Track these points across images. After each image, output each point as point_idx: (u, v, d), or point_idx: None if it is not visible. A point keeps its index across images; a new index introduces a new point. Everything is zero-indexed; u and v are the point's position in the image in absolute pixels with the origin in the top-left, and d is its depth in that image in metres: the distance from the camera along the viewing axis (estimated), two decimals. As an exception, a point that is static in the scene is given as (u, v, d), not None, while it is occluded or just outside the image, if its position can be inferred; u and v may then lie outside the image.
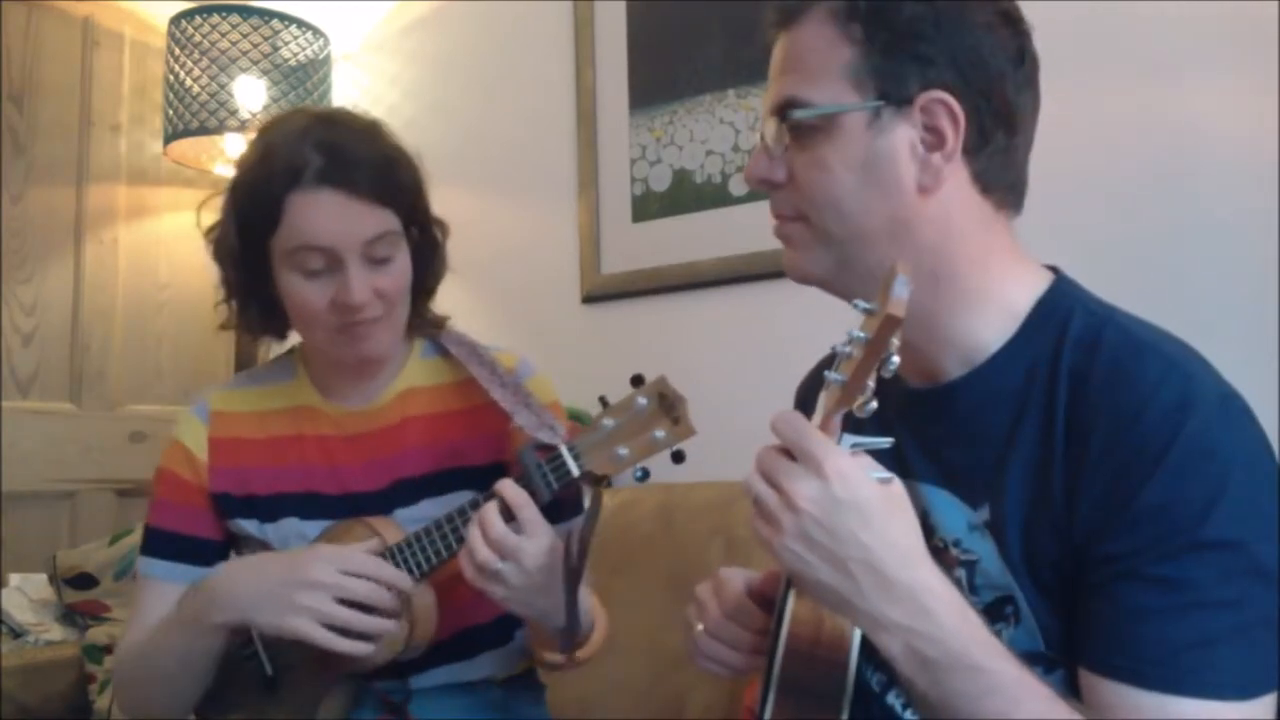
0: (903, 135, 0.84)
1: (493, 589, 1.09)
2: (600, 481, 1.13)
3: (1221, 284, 1.52)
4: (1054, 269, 0.92)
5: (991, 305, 0.87)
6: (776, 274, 1.93)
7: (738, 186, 2.00)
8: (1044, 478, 0.81)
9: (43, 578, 2.14)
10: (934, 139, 0.84)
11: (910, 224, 0.85)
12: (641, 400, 1.07)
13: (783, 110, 0.87)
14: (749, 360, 1.96)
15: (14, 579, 2.16)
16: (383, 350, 1.25)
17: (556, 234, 2.23)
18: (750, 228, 1.97)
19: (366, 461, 1.28)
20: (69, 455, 2.40)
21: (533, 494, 1.11)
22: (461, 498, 1.21)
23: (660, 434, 1.06)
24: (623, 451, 1.08)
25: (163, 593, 1.28)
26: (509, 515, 1.10)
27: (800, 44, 0.87)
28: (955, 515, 0.87)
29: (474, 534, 1.09)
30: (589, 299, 2.18)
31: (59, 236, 2.43)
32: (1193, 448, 0.75)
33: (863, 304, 0.75)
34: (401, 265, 1.22)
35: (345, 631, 1.13)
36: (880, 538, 0.73)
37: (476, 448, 1.28)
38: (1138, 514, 0.76)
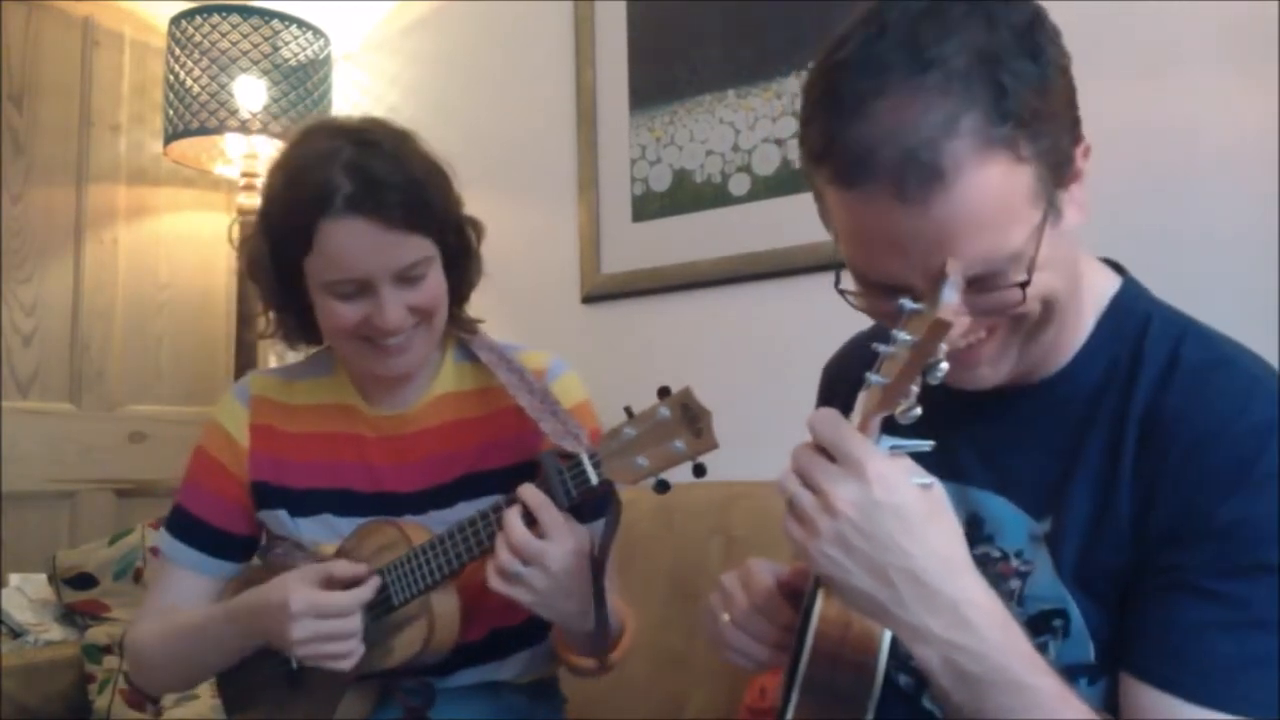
0: (1065, 199, 0.78)
1: (517, 593, 1.10)
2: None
3: (1221, 284, 1.52)
4: (1118, 267, 0.89)
5: (1077, 312, 0.85)
6: (776, 274, 1.95)
7: (738, 186, 2.00)
8: (1110, 484, 0.80)
9: (43, 578, 2.14)
10: (1072, 178, 0.79)
11: (1077, 262, 0.82)
12: (664, 411, 1.07)
13: (989, 268, 0.75)
14: (749, 360, 1.96)
15: (14, 579, 2.16)
16: (416, 365, 1.26)
17: (557, 234, 2.23)
18: (750, 228, 1.97)
19: (403, 464, 1.30)
20: (69, 455, 2.40)
21: (552, 500, 1.11)
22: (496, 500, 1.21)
23: (680, 445, 1.06)
24: (642, 461, 1.08)
25: (183, 579, 1.33)
26: (531, 519, 1.10)
27: (966, 205, 0.72)
28: (1016, 525, 0.85)
29: (499, 540, 1.10)
30: (589, 299, 2.18)
31: (59, 236, 2.43)
32: (1275, 469, 0.74)
33: (909, 304, 0.71)
34: (435, 281, 1.23)
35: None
36: (922, 545, 0.71)
37: (508, 449, 1.29)
38: (1210, 528, 0.74)
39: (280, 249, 1.21)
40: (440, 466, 1.29)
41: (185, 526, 1.33)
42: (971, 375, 0.82)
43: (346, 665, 1.16)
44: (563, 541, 1.09)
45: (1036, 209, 0.75)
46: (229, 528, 1.33)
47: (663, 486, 1.11)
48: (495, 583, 1.10)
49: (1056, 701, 0.72)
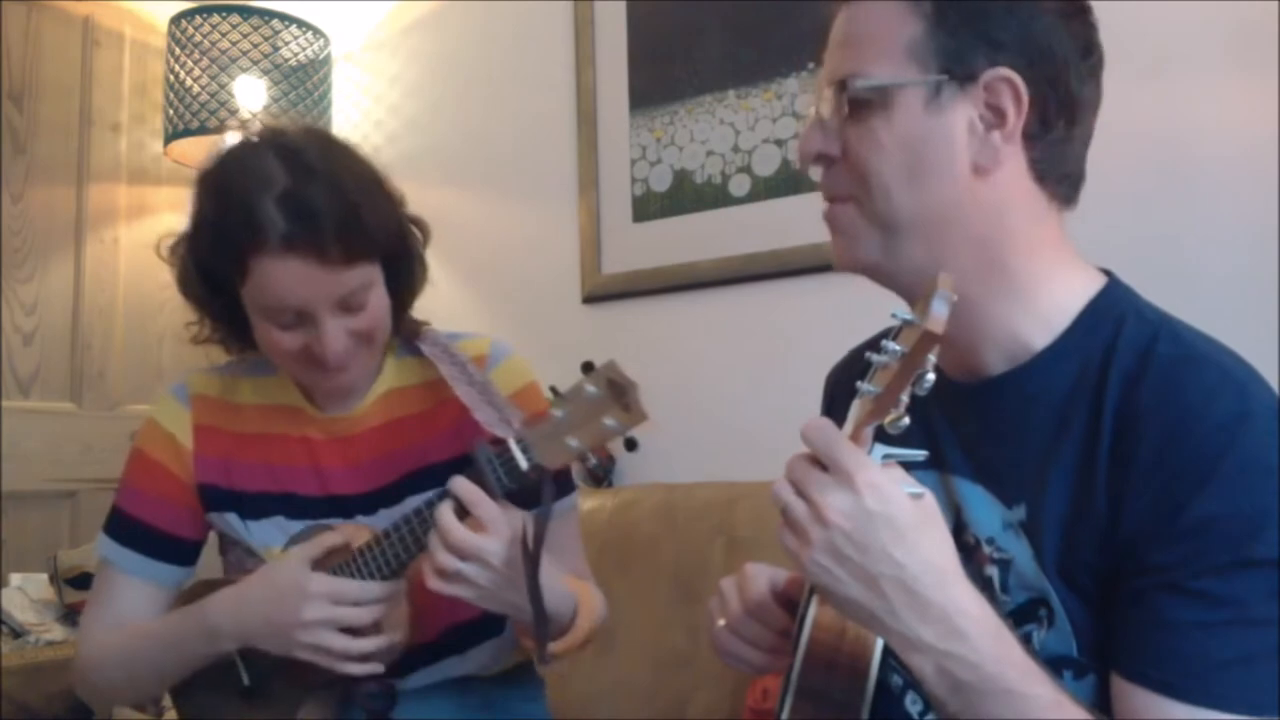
0: (961, 113, 0.82)
1: (458, 590, 1.07)
2: (600, 478, 1.11)
3: (1221, 284, 1.52)
4: (1107, 271, 0.90)
5: (1039, 301, 0.85)
6: (776, 274, 1.95)
7: (738, 187, 2.00)
8: (1087, 482, 0.80)
9: (43, 578, 2.14)
10: (994, 118, 0.82)
11: (963, 209, 0.83)
12: (590, 388, 1.05)
13: (841, 83, 0.84)
14: (749, 360, 1.97)
15: (14, 579, 2.16)
16: (357, 380, 1.25)
17: (557, 234, 2.23)
18: (750, 228, 1.97)
19: (351, 464, 1.28)
20: (69, 455, 2.40)
21: (486, 490, 1.09)
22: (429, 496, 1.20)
23: (611, 422, 1.04)
24: (573, 442, 1.06)
25: (131, 587, 1.28)
26: (465, 512, 1.08)
27: (865, 17, 0.85)
28: (990, 513, 0.86)
29: (433, 539, 1.07)
30: (589, 299, 2.18)
31: (59, 236, 2.43)
32: (1247, 463, 0.74)
33: (901, 314, 0.72)
34: (376, 304, 1.19)
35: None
36: (914, 555, 0.71)
37: (454, 442, 1.27)
38: (1186, 526, 0.74)
39: (212, 276, 1.18)
40: (388, 464, 1.27)
41: (129, 531, 1.28)
42: (831, 246, 0.89)
43: (352, 665, 1.13)
44: (500, 533, 1.06)
45: (909, 68, 0.82)
46: (175, 531, 1.28)
47: (599, 466, 1.08)
48: (434, 582, 1.07)
49: (1052, 708, 0.72)
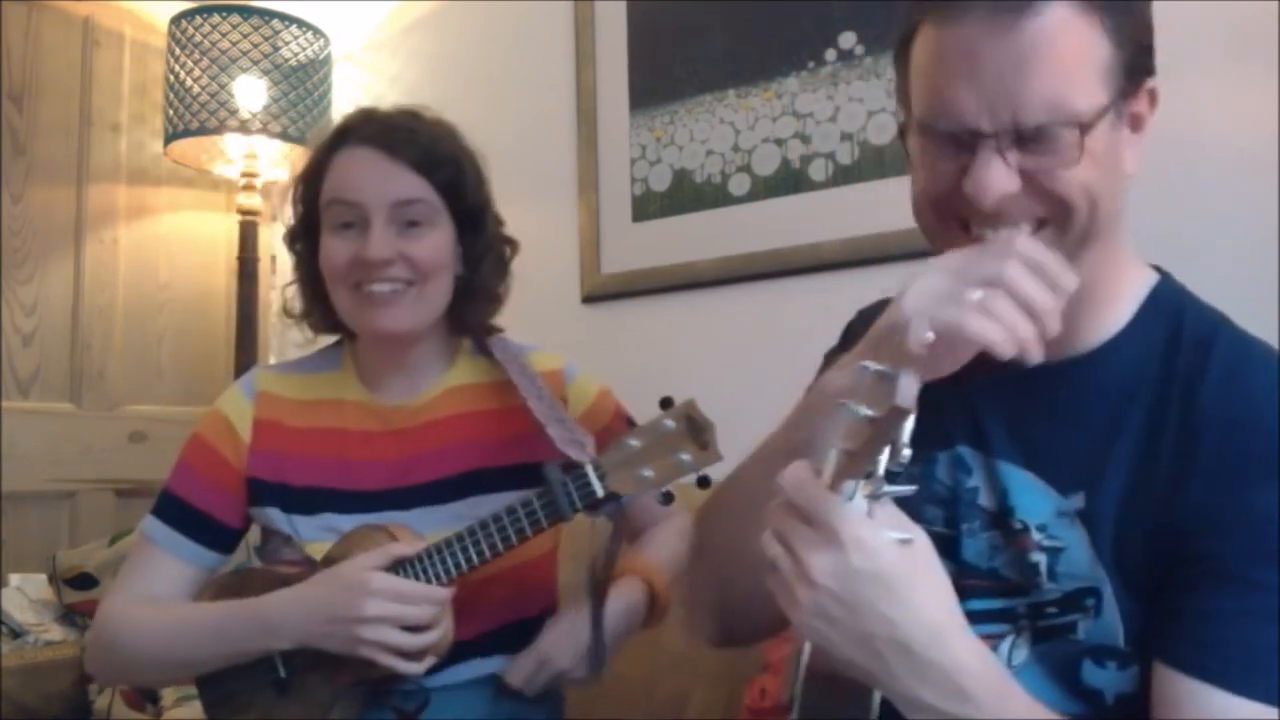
0: (1124, 122, 0.82)
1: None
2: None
3: (1221, 284, 1.51)
4: (1156, 266, 0.91)
5: (1114, 294, 0.87)
6: (776, 274, 1.95)
7: (738, 186, 2.00)
8: (1146, 473, 0.80)
9: (43, 578, 2.14)
10: (1134, 123, 0.84)
11: (1118, 207, 0.84)
12: (668, 423, 1.07)
13: (1070, 120, 0.77)
14: (748, 360, 1.96)
15: (14, 579, 2.16)
16: (402, 327, 1.24)
17: (556, 234, 2.23)
18: (750, 228, 1.97)
19: (409, 456, 1.29)
20: (69, 455, 2.40)
21: (556, 511, 1.12)
22: (504, 495, 1.21)
23: (686, 457, 1.07)
24: (647, 473, 1.08)
25: (165, 565, 1.30)
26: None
27: (1049, 39, 0.76)
28: (1040, 501, 0.85)
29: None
30: (589, 299, 2.18)
31: (59, 236, 2.43)
32: None
33: (872, 366, 0.66)
34: (436, 238, 1.23)
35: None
36: (907, 611, 0.68)
37: (518, 447, 1.28)
38: (1241, 517, 0.75)
39: (301, 186, 1.29)
40: (446, 458, 1.28)
41: (174, 511, 1.30)
42: None
43: (410, 664, 1.15)
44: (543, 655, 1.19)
45: (1104, 90, 0.78)
46: (219, 516, 1.31)
47: (667, 499, 1.12)
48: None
49: None
